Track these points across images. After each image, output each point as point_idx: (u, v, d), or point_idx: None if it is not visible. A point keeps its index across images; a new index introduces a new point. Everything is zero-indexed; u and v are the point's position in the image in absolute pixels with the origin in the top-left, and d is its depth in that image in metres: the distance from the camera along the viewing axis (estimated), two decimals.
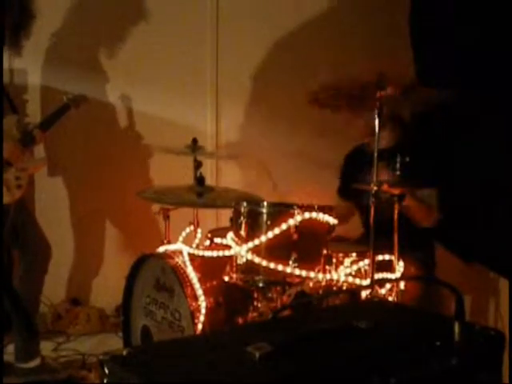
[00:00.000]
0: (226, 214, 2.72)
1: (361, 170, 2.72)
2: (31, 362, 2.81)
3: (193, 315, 2.28)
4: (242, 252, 2.21)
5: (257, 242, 2.18)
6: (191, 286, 2.33)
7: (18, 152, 2.75)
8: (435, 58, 3.51)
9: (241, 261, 2.24)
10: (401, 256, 2.36)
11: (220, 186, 3.48)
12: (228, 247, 2.38)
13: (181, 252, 2.49)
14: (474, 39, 3.04)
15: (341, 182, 3.10)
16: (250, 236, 2.21)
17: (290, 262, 2.16)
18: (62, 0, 3.58)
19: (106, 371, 1.09)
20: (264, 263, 2.16)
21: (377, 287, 2.35)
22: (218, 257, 2.46)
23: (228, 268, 2.33)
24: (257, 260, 2.17)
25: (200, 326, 2.27)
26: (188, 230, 2.86)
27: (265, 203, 2.24)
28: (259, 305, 2.30)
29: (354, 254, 2.42)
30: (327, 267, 2.28)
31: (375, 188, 2.24)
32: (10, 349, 2.86)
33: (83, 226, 3.79)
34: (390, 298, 2.34)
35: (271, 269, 2.16)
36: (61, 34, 3.58)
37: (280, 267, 2.15)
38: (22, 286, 2.83)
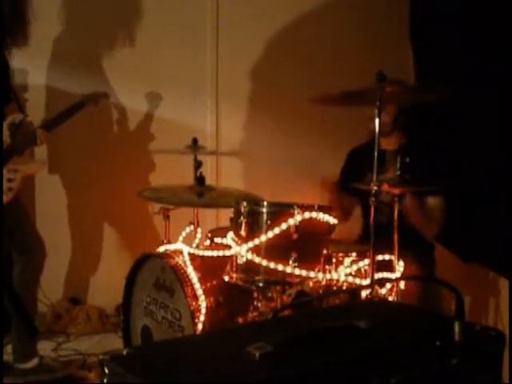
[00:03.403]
0: (226, 214, 2.72)
1: (365, 168, 2.72)
2: (29, 362, 2.81)
3: (193, 315, 2.28)
4: (242, 252, 2.21)
5: (257, 241, 2.18)
6: (191, 285, 2.33)
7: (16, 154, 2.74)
8: (434, 55, 3.52)
9: (241, 260, 2.23)
10: (401, 256, 2.36)
11: (220, 186, 3.48)
12: (228, 247, 2.37)
13: (181, 252, 2.49)
14: (474, 38, 3.04)
15: (341, 177, 3.11)
16: (250, 236, 2.21)
17: (290, 262, 2.16)
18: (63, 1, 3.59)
19: (106, 371, 1.09)
20: (264, 263, 2.16)
21: (377, 287, 2.35)
22: (218, 256, 2.46)
23: (228, 268, 2.33)
24: (257, 260, 2.17)
25: (200, 326, 2.27)
26: (188, 229, 2.86)
27: (265, 203, 2.24)
28: (259, 304, 2.30)
29: (353, 254, 2.42)
30: (327, 267, 2.28)
31: (375, 188, 2.24)
32: (10, 349, 2.86)
33: (83, 225, 3.79)
34: (390, 298, 2.34)
35: (271, 268, 2.16)
36: (62, 34, 3.59)
37: (280, 267, 2.15)
38: (18, 286, 2.82)
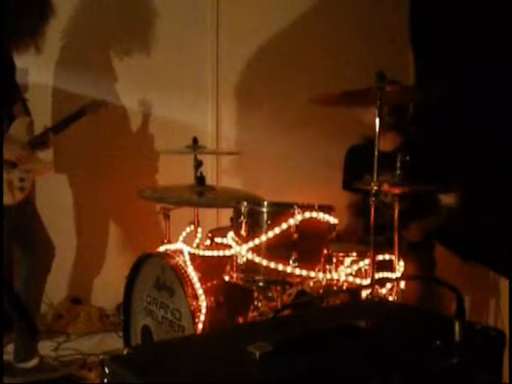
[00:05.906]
0: (226, 214, 2.72)
1: (365, 167, 2.71)
2: (30, 361, 2.81)
3: (193, 315, 2.28)
4: (243, 251, 2.21)
5: (257, 241, 2.18)
6: (192, 285, 2.33)
7: (25, 154, 2.75)
8: (435, 56, 3.52)
9: (241, 260, 2.23)
10: (401, 256, 2.36)
11: (220, 186, 3.48)
12: (228, 247, 2.37)
13: (181, 251, 2.49)
14: (474, 38, 3.04)
15: (345, 176, 3.12)
16: (251, 235, 2.21)
17: (291, 262, 2.15)
18: (67, 2, 3.59)
19: (107, 371, 1.09)
20: (264, 263, 2.16)
21: (377, 287, 2.35)
22: (219, 256, 2.46)
23: (228, 267, 2.33)
24: (257, 259, 2.17)
25: (200, 326, 2.28)
26: (188, 229, 2.86)
27: (265, 203, 2.23)
28: (259, 304, 2.30)
29: (354, 254, 2.42)
30: (327, 267, 2.28)
31: (375, 187, 2.23)
32: (10, 348, 2.86)
33: (84, 225, 3.79)
34: (391, 298, 2.34)
35: (271, 268, 2.16)
36: (64, 34, 3.59)
37: (280, 267, 2.15)
38: (24, 287, 2.82)
